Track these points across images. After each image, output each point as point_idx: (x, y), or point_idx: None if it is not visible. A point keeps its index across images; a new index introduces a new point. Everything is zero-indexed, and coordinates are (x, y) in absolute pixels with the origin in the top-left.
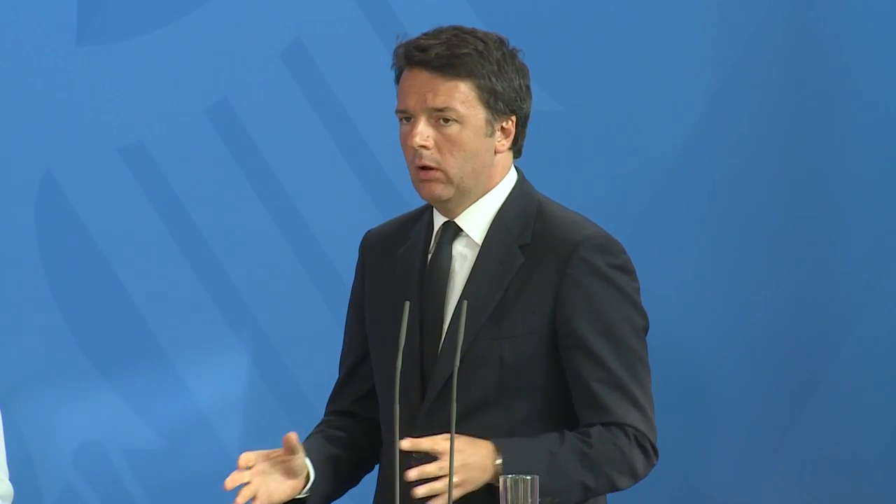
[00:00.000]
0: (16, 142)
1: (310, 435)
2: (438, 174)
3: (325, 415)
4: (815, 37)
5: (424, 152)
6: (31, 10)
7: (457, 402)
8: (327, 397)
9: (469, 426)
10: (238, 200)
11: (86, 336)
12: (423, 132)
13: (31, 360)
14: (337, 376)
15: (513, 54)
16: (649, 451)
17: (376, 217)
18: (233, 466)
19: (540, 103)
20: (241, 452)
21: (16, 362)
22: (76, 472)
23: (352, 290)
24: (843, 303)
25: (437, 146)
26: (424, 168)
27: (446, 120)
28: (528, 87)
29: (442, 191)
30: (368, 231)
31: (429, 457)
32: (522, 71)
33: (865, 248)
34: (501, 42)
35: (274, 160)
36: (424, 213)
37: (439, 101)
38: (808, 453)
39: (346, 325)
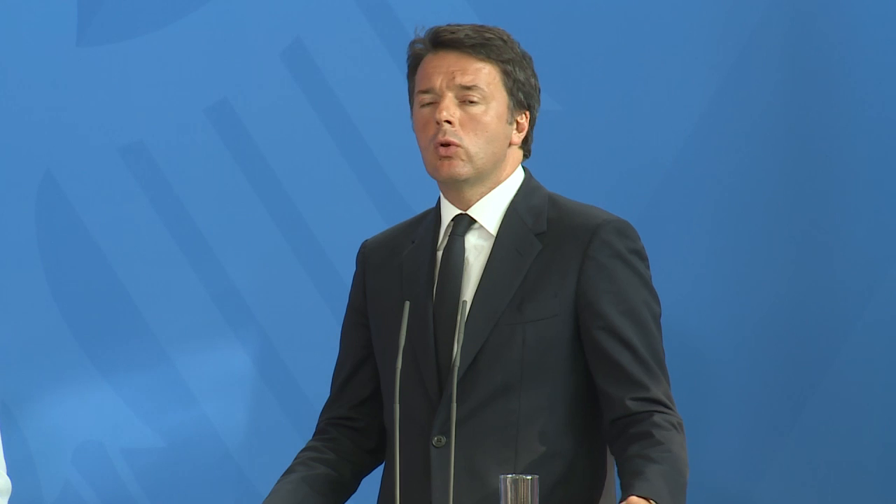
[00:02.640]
0: (16, 142)
1: (287, 473)
2: (460, 151)
3: (318, 428)
4: (815, 37)
5: (448, 128)
6: (31, 10)
7: (480, 387)
8: (327, 397)
9: (491, 411)
10: (238, 200)
11: (86, 336)
12: (451, 108)
13: (31, 360)
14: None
15: (529, 56)
16: (684, 429)
17: (376, 217)
18: (232, 466)
19: (540, 103)
20: (240, 452)
21: (16, 362)
22: (76, 471)
23: (350, 298)
24: (844, 302)
25: (462, 124)
26: (446, 144)
27: (472, 101)
28: (539, 90)
29: (461, 169)
30: (366, 241)
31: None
32: (535, 74)
33: (866, 247)
34: (517, 43)
35: (274, 160)
36: (426, 217)
37: (468, 79)
38: (809, 453)
39: (343, 333)
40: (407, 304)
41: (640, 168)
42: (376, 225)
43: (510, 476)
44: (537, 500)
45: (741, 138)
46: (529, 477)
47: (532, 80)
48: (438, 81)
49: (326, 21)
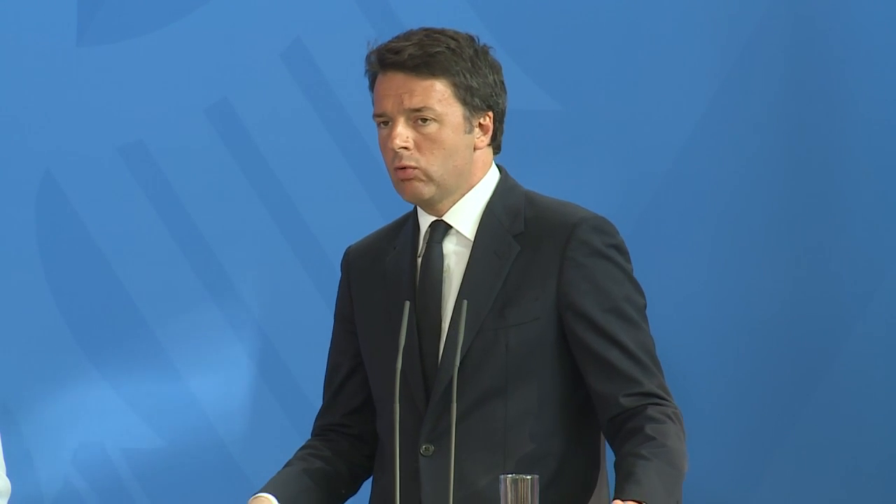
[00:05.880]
0: (16, 142)
1: (288, 465)
2: (418, 172)
3: (313, 433)
4: (815, 37)
5: (404, 153)
6: (31, 10)
7: (465, 393)
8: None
9: (478, 417)
10: (238, 200)
11: (86, 336)
12: (403, 133)
13: (31, 360)
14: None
15: (485, 51)
16: (681, 419)
17: (376, 217)
18: (232, 466)
19: (540, 103)
20: (240, 452)
21: (16, 362)
22: (76, 471)
23: (337, 305)
24: (844, 302)
25: (417, 146)
26: (404, 168)
27: (424, 120)
28: (502, 83)
29: (423, 190)
30: (349, 247)
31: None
32: (495, 67)
33: (866, 247)
34: (472, 39)
35: (274, 160)
36: (406, 222)
37: (416, 102)
38: (808, 456)
39: (332, 341)
40: (407, 304)
41: (640, 168)
42: (376, 225)
43: (510, 476)
44: (537, 499)
45: (741, 139)
46: (529, 477)
47: (490, 78)
48: (389, 105)
49: (326, 21)
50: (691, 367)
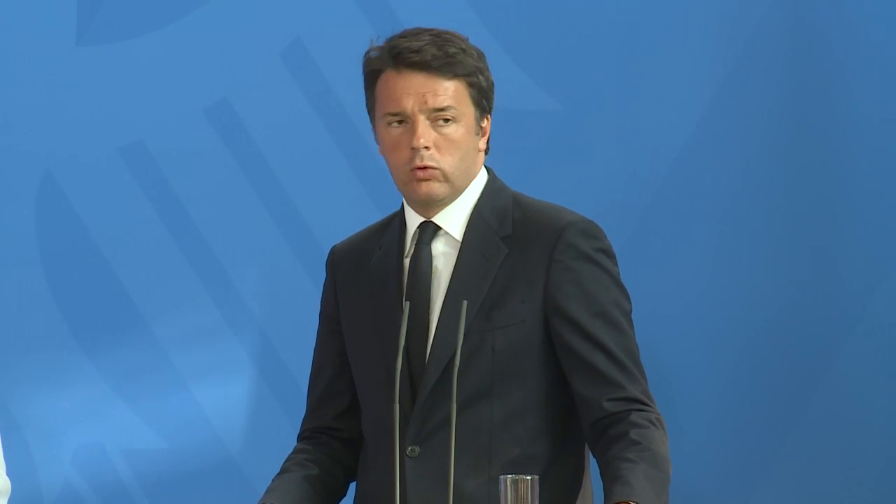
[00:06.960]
0: (16, 142)
1: (283, 472)
2: (437, 173)
3: (302, 436)
4: (815, 37)
5: (426, 153)
6: (31, 10)
7: (451, 395)
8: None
9: (464, 419)
10: (238, 200)
11: (86, 336)
12: (427, 133)
13: (31, 360)
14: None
15: (482, 52)
16: (664, 425)
17: (375, 217)
18: (233, 466)
19: (540, 103)
20: (240, 452)
21: (16, 362)
22: (76, 471)
23: (322, 306)
24: (844, 303)
25: (437, 146)
26: (424, 168)
27: (446, 120)
28: (493, 83)
29: (439, 189)
30: (334, 246)
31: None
32: (488, 66)
33: (866, 247)
34: (467, 39)
35: (274, 160)
36: (392, 222)
37: (440, 101)
38: (809, 454)
39: (318, 342)
40: (407, 304)
41: (640, 169)
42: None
43: (510, 476)
44: (537, 500)
45: (741, 139)
46: (529, 477)
47: (490, 79)
48: (409, 105)
49: (326, 21)
50: (691, 368)
